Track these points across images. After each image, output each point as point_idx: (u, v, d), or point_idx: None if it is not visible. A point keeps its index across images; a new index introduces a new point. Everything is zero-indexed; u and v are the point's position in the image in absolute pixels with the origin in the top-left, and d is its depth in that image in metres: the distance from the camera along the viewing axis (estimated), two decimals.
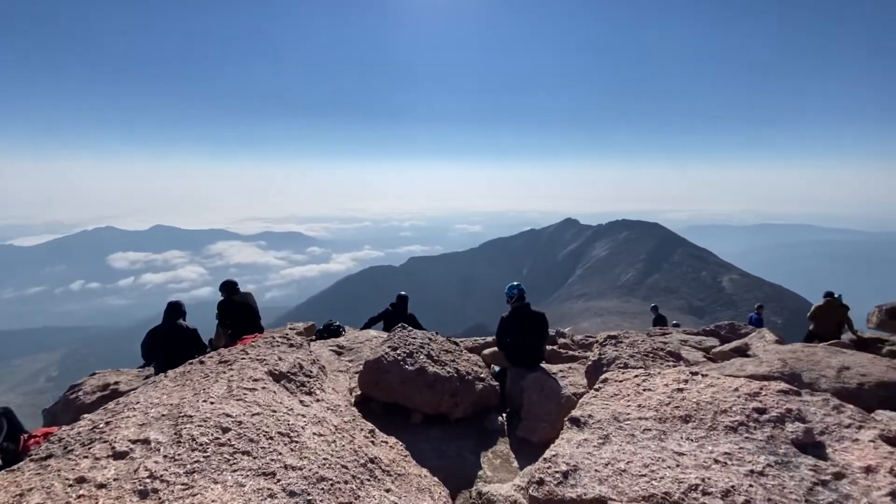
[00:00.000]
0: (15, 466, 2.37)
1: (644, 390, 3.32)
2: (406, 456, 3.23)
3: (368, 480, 2.74)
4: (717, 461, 2.39)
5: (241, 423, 2.77)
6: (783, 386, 2.88)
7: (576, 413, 3.21)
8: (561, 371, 6.46)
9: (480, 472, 4.10)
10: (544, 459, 2.76)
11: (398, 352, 4.71)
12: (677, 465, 2.40)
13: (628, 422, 2.97)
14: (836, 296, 10.44)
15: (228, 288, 6.31)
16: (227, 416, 2.82)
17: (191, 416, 2.79)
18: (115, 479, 2.19)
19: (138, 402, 3.04)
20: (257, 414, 2.89)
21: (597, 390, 3.57)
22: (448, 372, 4.74)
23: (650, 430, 2.83)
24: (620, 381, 3.55)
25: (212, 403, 2.96)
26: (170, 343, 5.39)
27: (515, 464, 4.25)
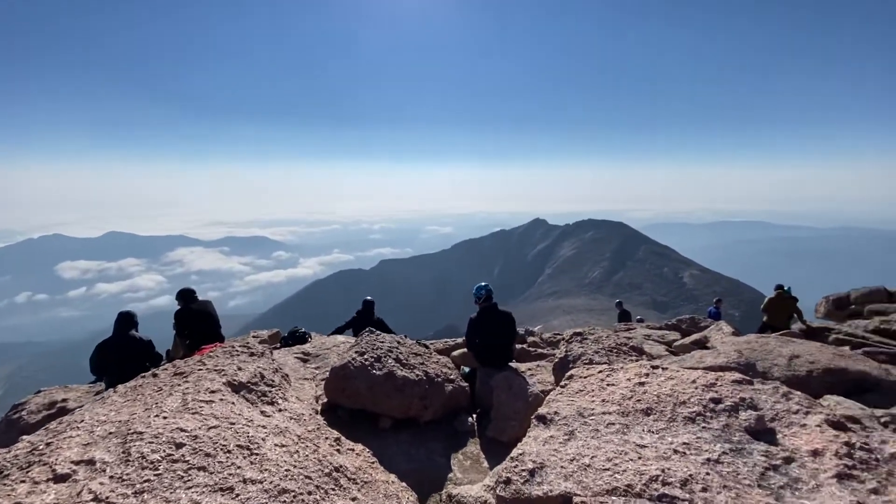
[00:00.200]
0: None
1: (608, 385, 3.38)
2: (373, 462, 3.17)
3: (333, 490, 2.66)
4: (676, 451, 2.45)
5: (196, 437, 2.64)
6: (737, 376, 3.00)
7: (542, 411, 3.24)
8: (530, 369, 6.52)
9: (451, 475, 4.07)
10: (511, 458, 2.77)
11: (365, 357, 4.63)
12: (639, 458, 2.44)
13: (593, 417, 3.02)
14: (785, 288, 11.02)
15: (186, 296, 6.04)
16: (182, 430, 2.68)
17: (141, 433, 2.64)
18: None
19: (83, 421, 2.85)
20: (214, 427, 2.76)
21: (563, 387, 3.61)
22: (417, 375, 4.69)
23: (614, 424, 2.88)
24: (585, 377, 3.61)
25: (164, 418, 2.81)
26: (122, 356, 5.11)
27: (485, 464, 4.24)
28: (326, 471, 2.75)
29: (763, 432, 2.50)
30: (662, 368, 3.42)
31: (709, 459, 2.34)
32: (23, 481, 2.30)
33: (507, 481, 2.57)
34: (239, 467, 2.50)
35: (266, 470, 2.54)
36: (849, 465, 2.12)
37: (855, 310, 16.26)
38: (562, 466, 2.55)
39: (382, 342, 4.96)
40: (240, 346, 3.89)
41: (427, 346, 6.61)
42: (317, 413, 4.27)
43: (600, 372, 3.64)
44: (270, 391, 3.39)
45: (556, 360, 5.83)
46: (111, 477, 2.33)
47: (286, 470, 2.58)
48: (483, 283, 5.92)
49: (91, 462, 2.45)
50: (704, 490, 2.13)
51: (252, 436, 2.75)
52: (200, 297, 6.45)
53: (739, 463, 2.29)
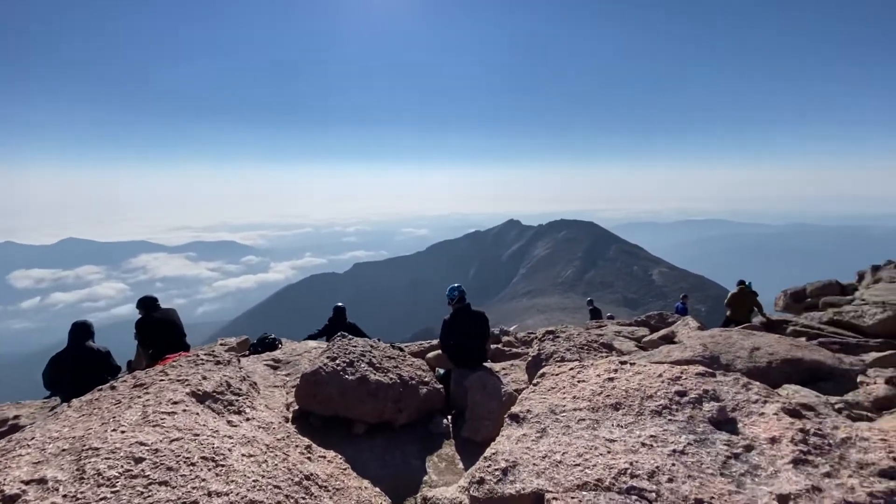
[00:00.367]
0: None
1: (578, 382, 3.43)
2: (346, 469, 3.12)
3: (304, 499, 2.60)
4: (644, 444, 2.50)
5: (157, 451, 2.53)
6: (700, 369, 3.09)
7: (515, 409, 3.26)
8: (504, 369, 6.57)
9: (426, 477, 4.05)
10: (484, 458, 2.77)
11: (337, 362, 4.55)
12: (608, 452, 2.49)
13: (564, 413, 3.05)
14: (746, 283, 11.50)
15: (147, 304, 5.79)
16: (142, 444, 2.57)
17: (97, 449, 2.51)
18: None
19: (33, 438, 2.69)
20: (177, 440, 2.65)
21: (535, 385, 3.65)
22: (391, 379, 4.65)
23: (584, 419, 2.92)
24: (557, 375, 3.65)
25: (123, 432, 2.68)
26: (77, 368, 4.85)
27: (461, 465, 4.24)
28: (296, 479, 2.68)
29: (725, 422, 2.59)
30: (630, 364, 3.50)
31: (674, 451, 2.40)
32: None
33: (481, 481, 2.57)
34: (203, 480, 2.41)
35: (233, 482, 2.46)
36: (804, 451, 2.22)
37: (811, 302, 17.13)
38: (534, 464, 2.57)
39: (355, 346, 4.90)
40: (205, 355, 3.76)
41: (402, 349, 6.57)
42: (287, 421, 4.17)
43: (571, 369, 3.69)
44: (238, 400, 3.28)
45: (529, 358, 5.89)
46: (64, 496, 2.20)
47: (254, 480, 2.51)
48: (456, 285, 5.93)
49: (42, 481, 2.31)
50: (670, 481, 2.19)
51: (217, 447, 2.65)
52: (166, 305, 6.21)
53: (703, 453, 2.36)
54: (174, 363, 3.63)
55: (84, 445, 2.57)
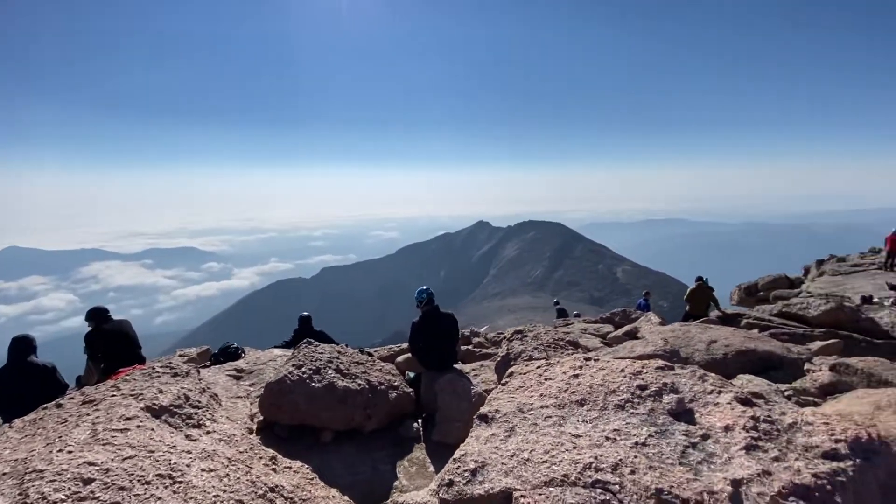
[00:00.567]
0: None
1: (545, 380, 3.49)
2: (313, 479, 3.04)
3: None
4: (608, 438, 2.57)
5: (108, 470, 2.39)
6: (660, 363, 3.20)
7: (483, 410, 3.27)
8: (474, 370, 6.60)
9: (396, 483, 4.00)
10: (454, 460, 2.77)
11: (304, 370, 4.44)
12: (574, 447, 2.54)
13: (532, 412, 3.09)
14: (703, 279, 12.02)
15: (96, 316, 5.47)
16: (91, 464, 2.42)
17: (41, 471, 2.35)
18: None
19: None
20: (130, 457, 2.52)
21: (503, 385, 3.68)
22: (359, 384, 4.58)
23: (551, 417, 2.97)
24: (524, 374, 3.70)
25: (70, 452, 2.52)
26: (19, 386, 4.52)
27: (431, 469, 4.22)
28: (260, 492, 2.60)
29: (683, 413, 2.69)
30: (595, 360, 3.59)
31: (636, 443, 2.47)
32: None
33: (450, 483, 2.57)
34: (159, 499, 2.30)
35: (191, 498, 2.36)
36: (755, 437, 2.34)
37: (762, 296, 18.12)
38: (502, 463, 2.59)
39: (321, 353, 4.80)
40: (161, 367, 3.59)
41: (371, 354, 6.49)
42: (252, 432, 4.03)
43: (538, 367, 3.75)
44: (197, 413, 3.15)
45: (499, 358, 5.94)
46: None
47: (214, 496, 2.41)
48: (424, 287, 5.91)
49: None
50: (633, 472, 2.25)
51: (175, 463, 2.53)
52: (120, 316, 5.90)
53: (663, 444, 2.44)
54: (127, 377, 3.45)
55: (27, 468, 2.40)
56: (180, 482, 2.41)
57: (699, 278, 12.09)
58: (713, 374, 3.00)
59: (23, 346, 4.75)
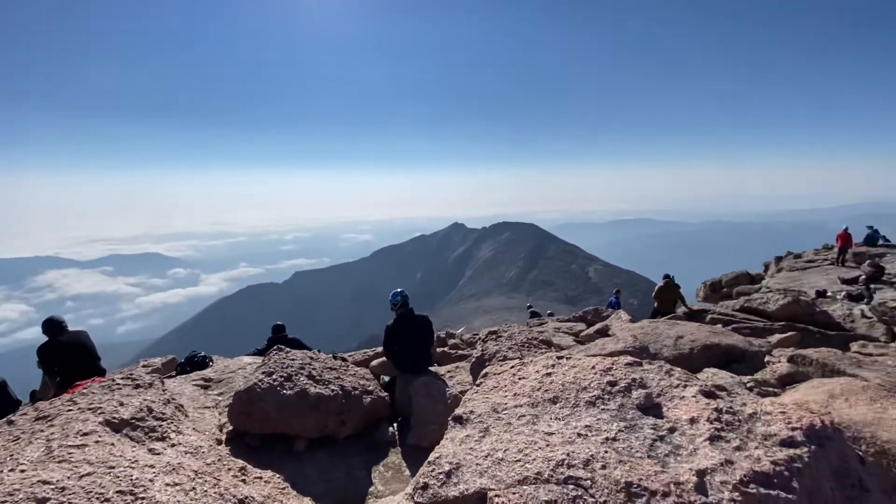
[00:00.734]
0: None
1: (519, 379, 3.52)
2: (284, 488, 2.97)
3: None
4: (579, 435, 2.61)
5: (64, 489, 2.27)
6: (629, 359, 3.28)
7: (458, 411, 3.28)
8: (449, 371, 6.60)
9: (371, 488, 3.96)
10: (428, 463, 2.76)
11: (274, 377, 4.33)
12: (547, 445, 2.57)
13: (506, 411, 3.11)
14: (670, 277, 12.41)
15: (52, 327, 5.17)
16: (45, 483, 2.30)
17: None
18: None
19: None
20: (88, 474, 2.40)
21: (478, 385, 3.69)
22: (332, 390, 4.50)
23: (525, 416, 3.00)
24: (499, 374, 3.72)
25: (23, 471, 2.39)
26: None
27: (407, 472, 4.19)
28: None
29: (651, 407, 2.76)
30: (567, 358, 3.64)
31: (607, 438, 2.52)
32: None
33: (425, 486, 2.56)
34: None
35: None
36: (718, 428, 2.42)
37: (726, 292, 18.86)
38: (477, 464, 2.59)
39: (293, 359, 4.69)
40: (122, 379, 3.44)
41: (344, 359, 6.41)
42: (220, 443, 3.90)
43: (512, 367, 3.78)
44: (161, 425, 3.03)
45: (473, 359, 5.96)
46: None
47: None
48: (398, 290, 5.88)
49: None
50: (604, 467, 2.30)
51: (137, 478, 2.43)
52: (79, 326, 5.60)
53: (633, 438, 2.50)
54: (85, 390, 3.28)
55: None
56: (143, 498, 2.31)
57: (666, 276, 12.46)
58: (679, 369, 3.10)
59: None
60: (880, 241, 21.22)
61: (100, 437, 2.71)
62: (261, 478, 2.98)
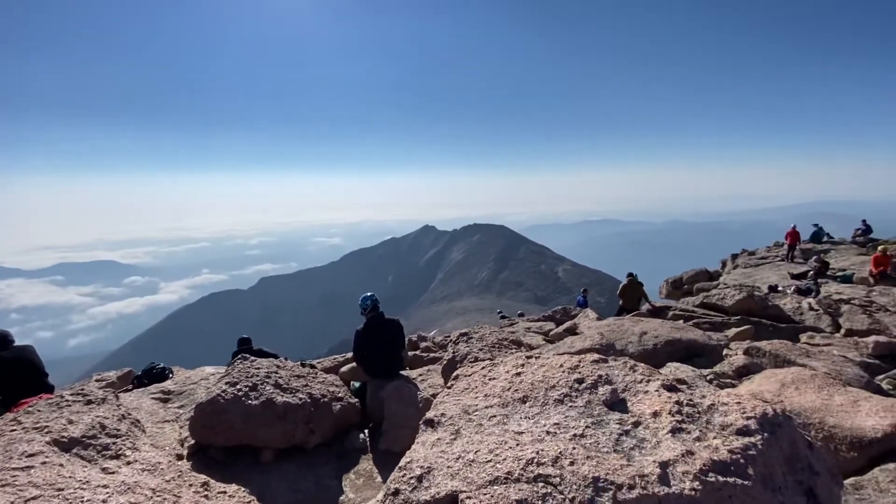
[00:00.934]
0: None
1: (490, 380, 3.54)
2: (250, 502, 2.87)
3: None
4: (548, 433, 2.65)
5: None
6: (595, 356, 3.36)
7: (429, 414, 3.26)
8: (421, 375, 6.57)
9: (342, 497, 3.88)
10: (399, 468, 2.73)
11: (239, 387, 4.18)
12: (517, 444, 2.59)
13: (477, 412, 3.12)
14: (634, 275, 12.80)
15: None
16: None
17: None
18: None
19: None
20: (34, 498, 2.25)
21: (449, 387, 3.69)
22: (300, 399, 4.39)
23: (495, 416, 3.01)
24: (469, 375, 3.73)
25: None
26: None
27: (379, 479, 4.14)
28: None
29: (617, 403, 2.83)
30: (536, 357, 3.69)
31: (575, 435, 2.57)
32: None
33: (396, 492, 2.53)
34: None
35: None
36: (679, 420, 2.51)
37: (687, 289, 19.63)
38: (448, 466, 2.59)
39: (258, 368, 4.55)
40: (72, 395, 3.24)
41: (313, 366, 6.27)
42: (181, 458, 3.73)
43: (483, 368, 3.79)
44: (115, 443, 2.87)
45: (445, 361, 5.96)
46: None
47: None
48: (368, 294, 5.81)
49: None
50: (572, 464, 2.34)
51: (88, 500, 2.29)
52: (26, 341, 5.23)
53: (599, 434, 2.56)
54: (30, 408, 3.07)
55: None
56: None
57: (630, 274, 12.85)
58: (643, 364, 3.19)
59: None
60: (825, 238, 22.67)
61: (47, 457, 2.54)
62: (225, 492, 2.87)
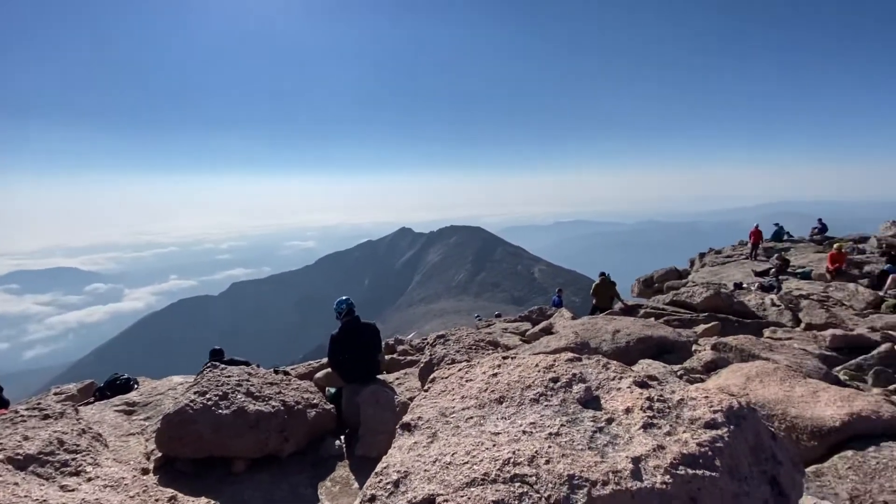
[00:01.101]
0: None
1: (466, 381, 3.54)
2: None
3: None
4: (524, 432, 2.66)
5: None
6: (570, 355, 3.40)
7: (406, 418, 3.23)
8: (398, 378, 6.52)
9: None
10: (375, 474, 2.69)
11: (208, 396, 4.05)
12: (494, 445, 2.59)
13: (454, 415, 3.11)
14: (606, 275, 13.07)
15: None
16: None
17: None
18: None
19: None
20: None
21: (426, 390, 3.67)
22: (273, 406, 4.29)
23: (472, 417, 3.01)
24: (446, 378, 3.72)
25: None
26: None
27: (356, 485, 4.08)
28: None
29: (591, 400, 2.88)
30: (512, 358, 3.72)
31: (550, 434, 2.59)
32: None
33: (372, 498, 2.49)
34: None
35: None
36: (650, 416, 2.57)
37: (658, 287, 20.18)
38: (425, 470, 2.57)
39: (229, 376, 4.42)
40: (27, 410, 3.06)
41: (287, 373, 6.13)
42: (146, 473, 3.59)
43: (460, 370, 3.79)
44: (75, 459, 2.73)
45: (422, 364, 5.94)
46: None
47: None
48: (343, 298, 5.73)
49: None
50: (548, 462, 2.36)
51: None
52: None
53: (574, 431, 2.59)
54: None
55: None
56: None
57: (602, 274, 13.11)
58: (615, 362, 3.25)
59: None
60: (785, 237, 23.75)
61: (0, 476, 2.39)
62: None
